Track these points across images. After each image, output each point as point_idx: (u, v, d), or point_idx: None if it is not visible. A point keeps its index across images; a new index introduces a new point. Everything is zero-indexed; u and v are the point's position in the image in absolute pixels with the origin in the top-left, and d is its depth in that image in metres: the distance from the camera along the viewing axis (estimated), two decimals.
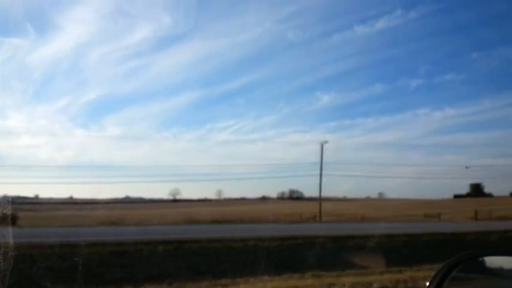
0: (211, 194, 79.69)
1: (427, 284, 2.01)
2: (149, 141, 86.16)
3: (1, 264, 4.79)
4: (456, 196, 70.95)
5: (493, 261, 1.85)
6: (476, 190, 71.22)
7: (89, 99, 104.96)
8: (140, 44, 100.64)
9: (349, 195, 77.30)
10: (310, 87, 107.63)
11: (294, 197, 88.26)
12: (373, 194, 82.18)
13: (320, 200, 40.78)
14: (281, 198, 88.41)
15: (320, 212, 38.78)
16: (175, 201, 73.18)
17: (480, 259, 1.88)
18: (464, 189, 75.71)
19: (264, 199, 69.23)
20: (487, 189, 71.33)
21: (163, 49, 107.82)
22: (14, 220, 13.24)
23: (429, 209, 43.40)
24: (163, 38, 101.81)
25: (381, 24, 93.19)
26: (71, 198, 79.59)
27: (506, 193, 63.40)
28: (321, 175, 41.87)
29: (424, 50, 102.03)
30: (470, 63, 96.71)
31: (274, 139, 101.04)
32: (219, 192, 59.26)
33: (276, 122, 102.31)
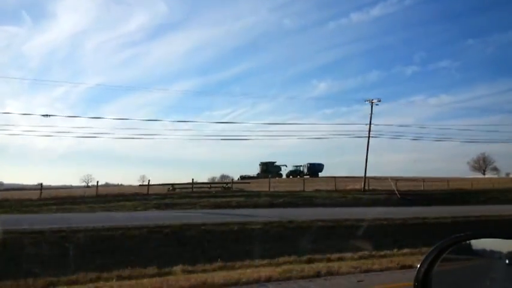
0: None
1: (418, 266, 2.14)
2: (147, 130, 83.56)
3: None
4: (243, 177, 59.08)
5: (482, 243, 2.03)
6: (267, 170, 58.74)
7: (87, 88, 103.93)
8: (136, 33, 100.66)
9: None
10: (307, 75, 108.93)
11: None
12: None
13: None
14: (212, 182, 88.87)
15: None
16: (87, 187, 72.98)
17: (470, 241, 2.06)
18: None
19: None
20: None
21: (159, 37, 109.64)
22: None
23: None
24: (159, 26, 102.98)
25: (376, 11, 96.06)
26: (39, 185, 75.73)
27: None
28: None
29: (420, 37, 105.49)
30: (465, 50, 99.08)
31: (270, 126, 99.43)
32: (142, 177, 58.11)
33: (272, 109, 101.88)
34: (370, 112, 36.38)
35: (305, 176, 55.47)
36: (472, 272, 2.08)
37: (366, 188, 34.95)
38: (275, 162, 63.49)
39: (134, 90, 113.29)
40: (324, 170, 60.60)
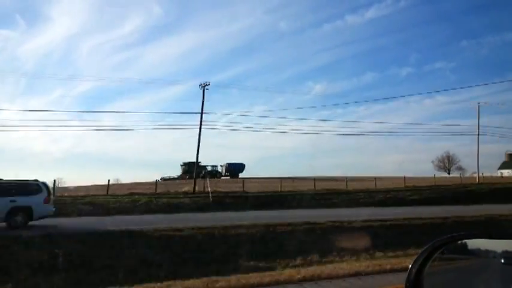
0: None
1: (410, 266, 2.05)
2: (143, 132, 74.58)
3: None
4: (164, 179, 55.84)
5: (475, 243, 2.00)
6: (188, 170, 54.36)
7: (82, 91, 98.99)
8: (131, 35, 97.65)
9: None
10: (303, 77, 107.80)
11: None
12: None
13: None
14: None
15: None
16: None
17: (462, 241, 2.02)
18: None
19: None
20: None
21: (154, 40, 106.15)
22: None
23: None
24: (154, 28, 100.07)
25: (371, 13, 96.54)
26: None
27: None
28: None
29: (414, 38, 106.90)
30: (459, 52, 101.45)
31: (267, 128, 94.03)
32: (116, 180, 52.78)
33: (269, 111, 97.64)
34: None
35: (223, 177, 55.17)
36: (465, 271, 2.05)
37: (201, 189, 31.81)
38: (200, 162, 61.52)
39: (130, 93, 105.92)
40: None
